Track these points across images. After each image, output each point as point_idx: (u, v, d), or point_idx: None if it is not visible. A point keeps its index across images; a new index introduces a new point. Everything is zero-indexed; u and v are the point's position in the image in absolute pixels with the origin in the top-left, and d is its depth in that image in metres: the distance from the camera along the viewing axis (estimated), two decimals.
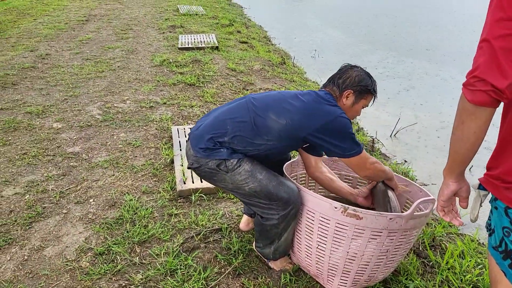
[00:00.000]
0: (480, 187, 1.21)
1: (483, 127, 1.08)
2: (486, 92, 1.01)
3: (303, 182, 2.51)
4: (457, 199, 1.33)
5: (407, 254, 2.29)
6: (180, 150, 3.39)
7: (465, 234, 2.63)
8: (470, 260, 2.25)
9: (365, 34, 10.35)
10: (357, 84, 1.95)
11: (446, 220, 1.36)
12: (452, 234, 2.57)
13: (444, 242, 2.45)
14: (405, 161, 4.20)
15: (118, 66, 5.96)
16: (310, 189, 2.25)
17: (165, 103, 4.56)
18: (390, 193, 2.04)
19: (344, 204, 1.82)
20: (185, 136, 3.64)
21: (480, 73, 1.01)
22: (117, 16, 10.33)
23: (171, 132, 3.79)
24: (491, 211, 1.20)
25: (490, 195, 1.19)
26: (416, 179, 3.66)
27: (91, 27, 8.88)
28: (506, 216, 1.12)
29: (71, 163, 3.26)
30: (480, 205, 1.24)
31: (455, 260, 2.23)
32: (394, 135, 4.78)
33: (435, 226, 2.59)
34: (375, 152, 4.18)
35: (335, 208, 1.83)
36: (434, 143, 4.60)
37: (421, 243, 2.41)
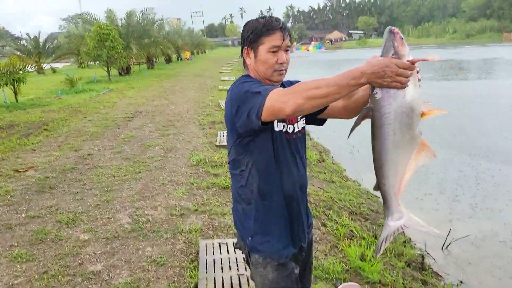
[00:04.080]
0: None
1: None
2: None
3: None
4: None
5: None
6: (206, 272, 3.12)
7: None
8: None
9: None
10: (245, 37, 1.71)
11: None
12: None
13: None
14: (461, 282, 3.67)
15: (155, 166, 5.98)
16: None
17: (196, 210, 4.39)
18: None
19: None
20: (213, 254, 3.38)
21: None
22: (162, 112, 10.80)
23: (198, 247, 3.55)
24: None
25: None
26: None
27: (136, 123, 9.26)
28: None
29: (90, 285, 3.05)
30: None
31: None
32: (446, 247, 4.28)
33: None
34: (426, 271, 3.71)
35: None
36: (497, 262, 4.02)
37: None
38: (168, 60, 37.57)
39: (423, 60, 1.35)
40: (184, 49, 43.02)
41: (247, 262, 1.85)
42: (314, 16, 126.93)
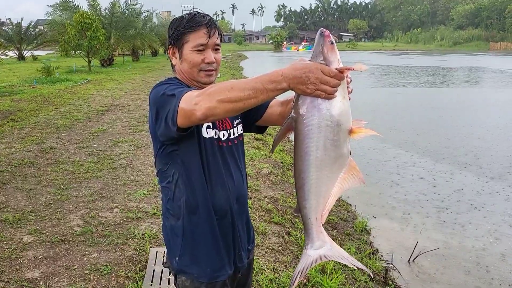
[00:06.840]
0: None
1: None
2: None
3: None
4: None
5: None
6: (151, 284, 2.89)
7: None
8: None
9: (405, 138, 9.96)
10: (169, 35, 1.55)
11: None
12: None
13: None
14: None
15: (120, 164, 5.72)
16: None
17: (154, 214, 4.15)
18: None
19: None
20: (162, 264, 3.16)
21: None
22: (138, 106, 10.49)
23: (148, 255, 3.32)
24: None
25: None
26: None
27: (109, 118, 8.95)
28: None
29: None
30: None
31: None
32: (413, 260, 4.13)
33: None
34: (388, 286, 3.54)
35: None
36: (464, 277, 3.89)
37: None
38: (154, 53, 37.05)
39: (350, 69, 1.15)
40: None
41: (175, 284, 1.65)
42: (305, 17, 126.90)
